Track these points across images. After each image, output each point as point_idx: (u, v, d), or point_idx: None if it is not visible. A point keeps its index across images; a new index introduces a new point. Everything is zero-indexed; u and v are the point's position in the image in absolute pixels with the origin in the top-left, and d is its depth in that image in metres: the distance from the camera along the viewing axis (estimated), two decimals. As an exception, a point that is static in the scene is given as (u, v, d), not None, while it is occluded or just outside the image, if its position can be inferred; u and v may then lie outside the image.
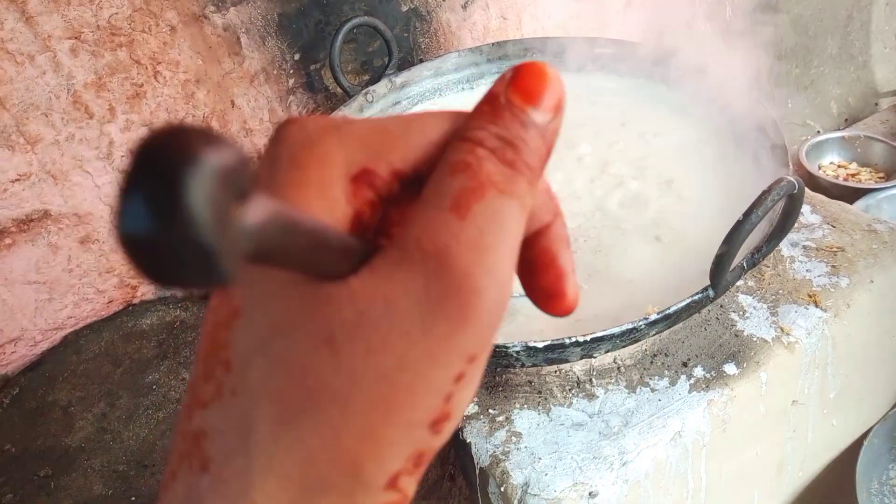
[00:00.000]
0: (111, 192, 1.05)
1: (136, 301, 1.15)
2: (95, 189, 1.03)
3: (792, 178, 0.56)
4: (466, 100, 1.10)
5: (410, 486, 0.20)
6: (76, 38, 0.93)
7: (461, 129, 0.22)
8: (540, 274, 0.25)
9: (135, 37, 0.98)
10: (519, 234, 0.21)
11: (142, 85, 1.01)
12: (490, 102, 0.22)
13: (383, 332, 0.18)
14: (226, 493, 0.18)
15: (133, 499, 0.88)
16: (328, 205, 0.20)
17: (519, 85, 0.22)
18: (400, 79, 1.08)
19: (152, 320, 1.12)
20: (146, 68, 1.00)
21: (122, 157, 1.04)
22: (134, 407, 0.99)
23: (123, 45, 0.97)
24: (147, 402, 1.00)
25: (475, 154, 0.21)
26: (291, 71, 1.14)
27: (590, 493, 0.68)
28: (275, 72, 1.12)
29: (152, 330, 1.11)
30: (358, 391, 0.18)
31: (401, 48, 1.15)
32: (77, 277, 1.07)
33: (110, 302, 1.13)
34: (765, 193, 0.55)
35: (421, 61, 1.12)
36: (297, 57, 1.13)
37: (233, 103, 1.10)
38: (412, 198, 0.21)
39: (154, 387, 1.02)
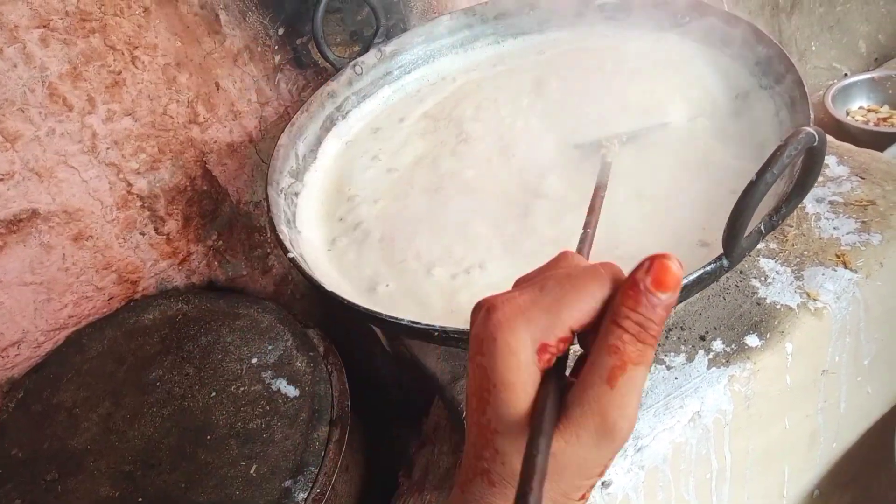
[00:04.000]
0: (100, 186, 1.01)
1: (137, 296, 1.13)
2: (83, 184, 1.00)
3: (811, 129, 0.49)
4: (460, 63, 1.04)
5: (589, 495, 0.41)
6: (45, 26, 0.89)
7: (614, 313, 0.36)
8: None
9: (107, 21, 0.93)
10: (643, 385, 0.37)
11: (120, 72, 0.97)
12: (633, 287, 0.36)
13: (576, 449, 0.37)
14: (506, 499, 0.38)
15: (140, 500, 0.86)
16: (529, 377, 0.37)
17: (654, 277, 0.35)
18: (390, 47, 1.02)
19: (154, 315, 1.09)
20: (122, 54, 0.96)
21: (108, 149, 1.00)
22: (139, 405, 0.97)
23: (96, 30, 0.93)
24: (152, 400, 0.97)
25: (622, 339, 0.36)
26: (277, 47, 1.08)
27: (602, 483, 0.64)
28: (259, 49, 1.07)
29: (154, 325, 1.08)
30: (567, 471, 0.38)
31: (390, 15, 1.09)
32: (74, 276, 1.05)
33: (111, 299, 1.10)
34: (780, 149, 0.49)
35: (412, 27, 1.06)
36: (281, 31, 1.07)
37: (217, 85, 1.05)
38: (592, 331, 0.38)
39: (158, 383, 1.00)
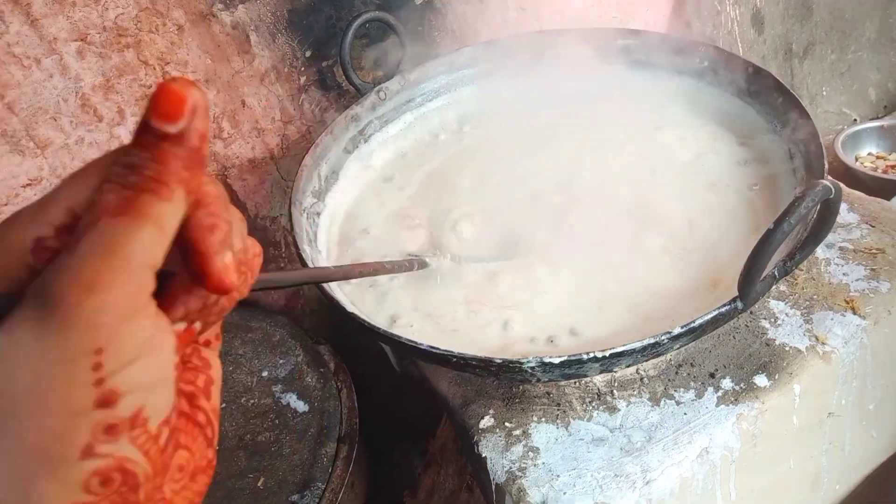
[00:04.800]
0: (122, 195, 1.03)
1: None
2: (106, 193, 1.02)
3: (828, 183, 0.52)
4: (480, 93, 1.06)
5: (114, 448, 0.24)
6: (82, 39, 0.92)
7: (99, 160, 0.26)
8: (189, 260, 0.28)
9: (142, 37, 0.96)
10: (138, 241, 0.24)
11: (150, 86, 0.99)
12: (135, 133, 0.26)
13: (11, 361, 0.23)
14: None
15: None
16: (11, 278, 0.26)
17: (155, 108, 0.26)
18: (413, 75, 1.05)
19: (167, 324, 1.11)
20: (154, 69, 0.98)
21: (133, 159, 1.02)
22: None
23: (130, 45, 0.95)
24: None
25: (101, 189, 0.25)
26: (303, 68, 1.11)
27: (611, 514, 0.65)
28: (286, 70, 1.09)
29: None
30: (18, 406, 0.23)
31: (414, 43, 1.12)
32: (91, 282, 1.06)
33: (125, 306, 1.12)
34: (798, 200, 0.51)
35: (436, 56, 1.08)
36: (308, 54, 1.10)
37: (243, 103, 1.08)
38: None
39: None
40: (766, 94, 0.84)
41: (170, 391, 0.27)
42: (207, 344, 0.34)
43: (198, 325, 0.31)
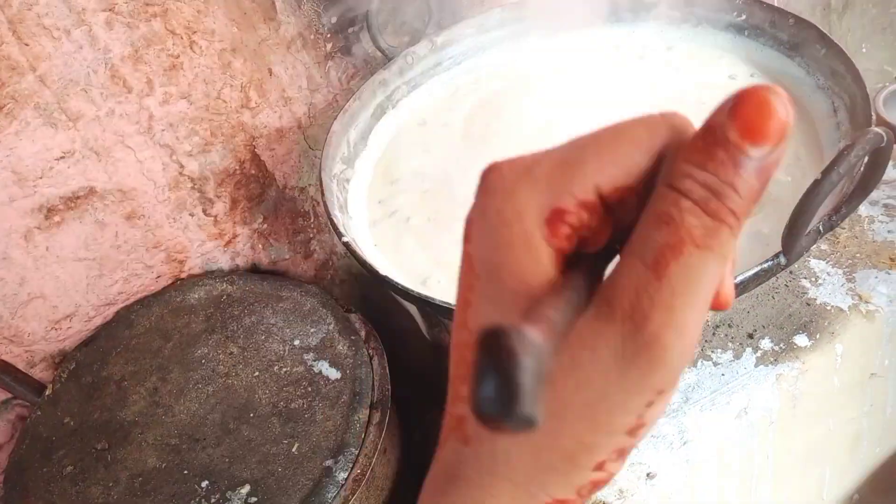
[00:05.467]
0: (153, 167, 1.04)
1: (183, 275, 1.16)
2: (138, 164, 1.03)
3: (879, 130, 0.50)
4: (512, 57, 1.04)
5: (615, 467, 0.26)
6: (110, 10, 0.92)
7: (668, 174, 0.23)
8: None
9: (169, 6, 0.95)
10: (713, 286, 0.23)
11: (178, 56, 0.99)
12: (705, 138, 0.22)
13: (588, 374, 0.23)
14: (480, 462, 0.26)
15: (185, 472, 0.89)
16: (534, 256, 0.24)
17: (739, 119, 0.21)
18: (441, 38, 1.03)
19: (200, 294, 1.12)
20: (181, 38, 0.98)
21: (163, 130, 1.03)
22: (184, 381, 1.00)
23: (158, 15, 0.95)
24: (197, 377, 1.00)
25: (678, 206, 0.22)
26: (328, 35, 1.10)
27: (647, 475, 0.64)
28: (311, 36, 1.08)
29: (200, 304, 1.11)
30: (569, 412, 0.24)
31: (442, 6, 1.10)
32: (125, 253, 1.08)
33: (159, 277, 1.13)
34: (848, 148, 0.49)
35: (463, 18, 1.06)
36: (333, 20, 1.09)
37: (270, 71, 1.07)
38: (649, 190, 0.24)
39: (203, 361, 1.02)
40: (808, 46, 0.81)
41: None
42: None
43: None
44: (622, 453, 0.25)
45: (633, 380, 0.23)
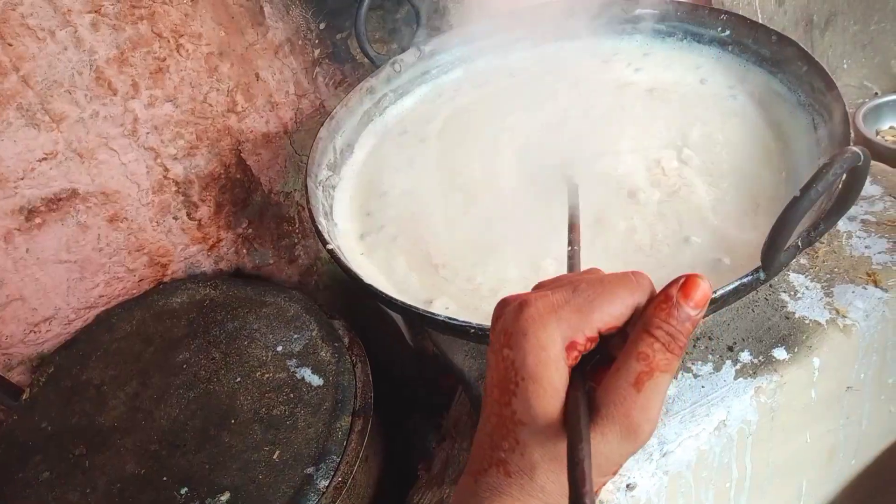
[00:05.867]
0: (137, 169, 1.03)
1: (166, 279, 1.15)
2: (121, 167, 1.02)
3: (856, 149, 0.50)
4: (498, 65, 1.05)
5: (601, 489, 0.46)
6: (96, 11, 0.91)
7: (646, 322, 0.39)
8: None
9: (156, 9, 0.95)
10: (666, 391, 0.39)
11: (164, 59, 0.98)
12: (667, 301, 0.39)
13: (601, 448, 0.38)
14: (522, 488, 0.39)
15: (165, 478, 0.88)
16: (559, 370, 0.38)
17: (686, 292, 0.39)
18: (429, 47, 1.03)
19: (182, 299, 1.11)
20: (168, 41, 0.98)
21: (148, 133, 1.02)
22: (165, 386, 0.99)
23: (144, 17, 0.95)
24: (178, 382, 0.99)
25: (652, 348, 0.38)
26: (317, 41, 1.10)
27: (627, 486, 0.65)
28: (300, 42, 1.08)
29: (182, 308, 1.10)
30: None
31: (430, 15, 1.10)
32: (107, 256, 1.07)
33: (141, 280, 1.12)
34: (825, 167, 0.50)
35: (451, 28, 1.07)
36: (322, 26, 1.09)
37: (257, 76, 1.07)
38: (618, 339, 0.41)
39: (184, 366, 1.01)
40: (790, 63, 0.82)
41: None
42: None
43: None
44: (601, 487, 0.42)
45: (624, 449, 0.38)
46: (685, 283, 0.39)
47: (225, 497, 0.86)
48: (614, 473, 0.41)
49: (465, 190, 0.86)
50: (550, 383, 0.38)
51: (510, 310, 0.40)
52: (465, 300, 0.73)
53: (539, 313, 0.39)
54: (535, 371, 0.38)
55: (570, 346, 0.39)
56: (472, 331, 0.61)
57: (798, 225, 0.55)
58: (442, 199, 0.86)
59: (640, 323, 0.39)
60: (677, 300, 0.38)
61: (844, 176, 0.56)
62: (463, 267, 0.76)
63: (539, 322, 0.39)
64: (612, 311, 0.39)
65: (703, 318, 0.55)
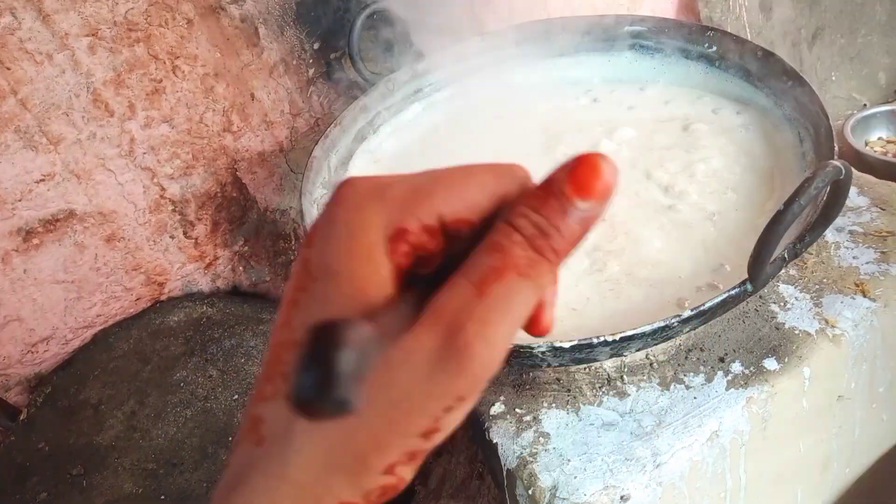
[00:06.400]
0: (134, 190, 1.04)
1: (163, 298, 1.16)
2: (118, 187, 1.03)
3: (838, 163, 0.52)
4: (491, 83, 1.06)
5: (405, 472, 0.27)
6: (93, 35, 0.93)
7: (509, 212, 0.26)
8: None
9: (152, 31, 0.96)
10: (526, 310, 0.26)
11: (160, 80, 1.00)
12: (544, 188, 0.26)
13: (398, 374, 0.25)
14: (270, 463, 0.26)
15: (163, 497, 0.89)
16: (374, 267, 0.26)
17: (573, 177, 0.25)
18: (422, 65, 1.05)
19: (179, 317, 1.12)
20: (164, 63, 0.99)
21: (144, 153, 1.03)
22: (162, 405, 0.99)
23: (141, 40, 0.96)
24: (175, 400, 1.00)
25: (510, 238, 0.26)
26: (311, 61, 1.11)
27: (621, 497, 0.65)
28: (294, 62, 1.10)
29: (179, 327, 1.11)
30: (371, 410, 0.25)
31: (423, 33, 1.12)
32: (104, 276, 1.08)
33: (138, 299, 1.13)
34: (808, 181, 0.51)
35: (443, 47, 1.08)
36: (316, 46, 1.10)
37: (252, 96, 1.09)
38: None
39: (182, 384, 1.02)
40: (775, 77, 0.84)
41: None
42: None
43: None
44: (413, 457, 0.26)
45: (438, 383, 0.25)
46: (577, 166, 0.25)
47: (223, 515, 0.86)
48: (426, 437, 0.26)
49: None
50: (351, 282, 0.25)
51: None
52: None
53: (356, 193, 0.27)
54: (333, 266, 0.26)
55: (397, 236, 0.26)
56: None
57: (783, 237, 0.56)
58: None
59: (502, 214, 0.27)
60: (560, 188, 0.26)
61: (828, 189, 0.57)
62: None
63: (353, 205, 0.26)
64: (465, 196, 0.27)
65: (692, 329, 0.56)
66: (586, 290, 0.74)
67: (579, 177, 0.25)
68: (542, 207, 0.26)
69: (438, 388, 0.25)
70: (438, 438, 0.26)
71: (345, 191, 0.27)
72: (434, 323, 0.25)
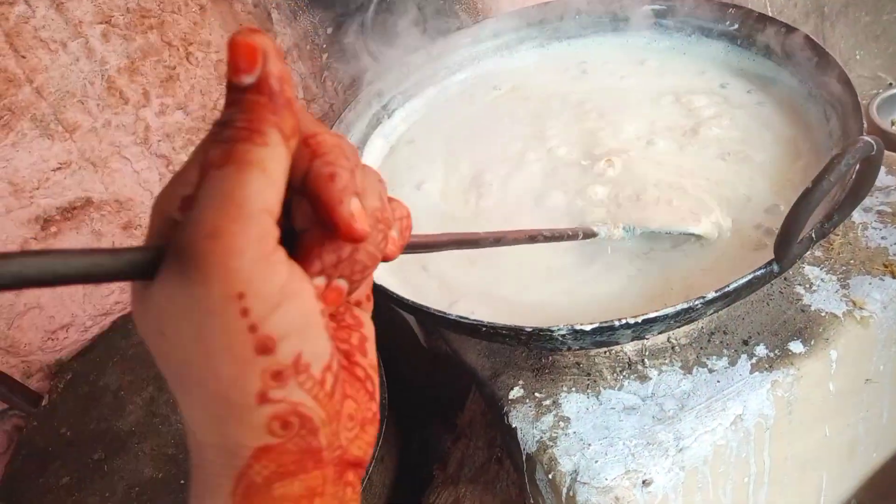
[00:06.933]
0: (150, 177, 1.04)
1: (180, 285, 1.16)
2: (134, 175, 1.03)
3: (869, 139, 0.50)
4: (505, 65, 1.05)
5: (286, 393, 0.26)
6: (107, 22, 0.92)
7: None
8: (316, 210, 0.28)
9: (165, 18, 0.96)
10: (247, 186, 0.25)
11: (174, 67, 0.99)
12: (225, 97, 0.27)
13: (173, 312, 0.25)
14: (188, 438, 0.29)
15: (182, 482, 0.89)
16: (168, 236, 0.27)
17: (230, 64, 0.26)
18: (436, 48, 1.03)
19: (197, 304, 1.12)
20: (178, 50, 0.99)
21: (159, 141, 1.03)
22: (181, 391, 1.00)
23: (154, 27, 0.96)
24: (194, 386, 1.00)
25: (204, 149, 0.26)
26: (325, 46, 1.10)
27: (643, 482, 0.64)
28: (308, 47, 1.09)
29: (197, 313, 1.11)
30: (192, 356, 0.25)
31: (437, 16, 1.10)
32: (122, 263, 1.08)
33: (156, 286, 1.13)
34: (838, 157, 0.49)
35: (458, 29, 1.07)
36: (329, 31, 1.09)
37: (266, 82, 1.08)
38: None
39: (200, 370, 1.02)
40: (800, 55, 0.82)
41: (323, 337, 0.28)
42: (358, 304, 0.34)
43: (343, 284, 0.30)
44: (279, 377, 0.26)
45: (203, 297, 0.24)
46: (228, 58, 0.26)
47: (242, 500, 0.86)
48: (264, 349, 0.26)
49: (477, 192, 0.86)
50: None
51: None
52: (485, 302, 0.73)
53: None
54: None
55: (185, 205, 0.27)
56: (484, 329, 0.62)
57: (811, 216, 0.54)
58: (453, 202, 0.86)
59: None
60: (228, 82, 0.27)
61: (857, 166, 0.55)
62: (478, 271, 0.76)
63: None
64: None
65: (715, 312, 0.55)
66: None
67: (233, 63, 0.26)
68: (225, 108, 0.27)
69: (206, 302, 0.24)
70: (288, 346, 0.26)
71: None
72: (169, 251, 0.25)
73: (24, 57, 0.89)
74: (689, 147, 0.82)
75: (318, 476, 0.28)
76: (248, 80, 0.26)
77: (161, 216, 0.27)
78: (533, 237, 0.55)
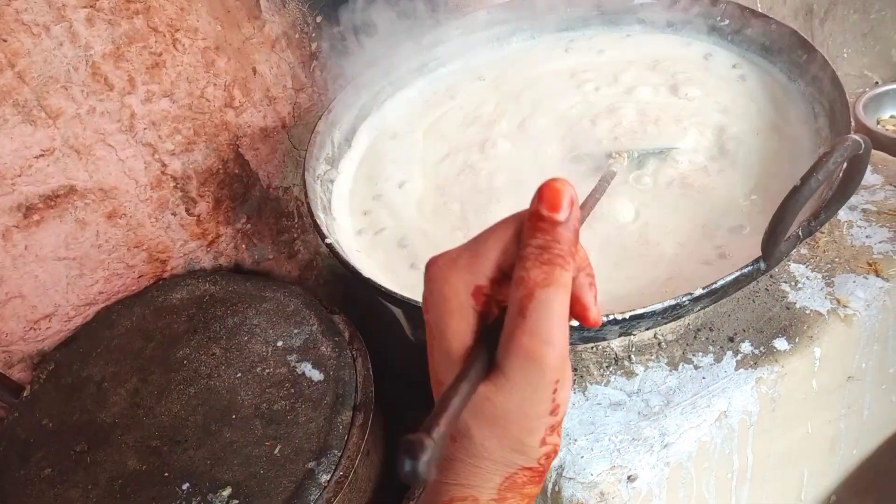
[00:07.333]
0: (135, 166, 1.03)
1: (166, 275, 1.15)
2: (119, 163, 1.02)
3: (857, 137, 0.50)
4: (496, 56, 1.04)
5: (555, 439, 0.39)
6: (91, 6, 0.90)
7: (519, 248, 0.37)
8: (573, 308, 0.39)
9: (151, 3, 0.94)
10: (563, 304, 0.36)
11: (160, 54, 0.98)
12: (531, 218, 0.37)
13: (510, 392, 0.36)
14: (467, 450, 0.38)
15: (166, 474, 0.88)
16: (465, 321, 0.37)
17: (543, 201, 0.36)
18: (427, 39, 1.03)
19: (182, 294, 1.11)
20: (164, 36, 0.97)
21: (145, 129, 1.02)
22: (166, 382, 0.99)
23: (140, 12, 0.94)
24: (178, 378, 0.99)
25: (525, 267, 0.36)
26: (314, 34, 1.09)
27: (628, 477, 0.65)
28: (297, 36, 1.08)
29: (182, 304, 1.10)
30: (509, 415, 0.37)
31: (428, 7, 1.09)
32: (106, 252, 1.07)
33: (140, 276, 1.12)
34: (826, 155, 0.50)
35: (449, 20, 1.06)
36: (318, 19, 1.08)
37: (254, 70, 1.07)
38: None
39: (185, 362, 1.01)
40: (789, 51, 0.82)
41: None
42: None
43: None
44: (554, 429, 0.38)
45: (537, 386, 0.36)
46: (542, 193, 0.36)
47: (227, 492, 0.86)
48: (553, 414, 0.37)
49: (463, 183, 0.85)
50: (455, 333, 0.37)
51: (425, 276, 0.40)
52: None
53: (440, 269, 0.38)
54: (440, 324, 0.37)
55: (477, 292, 0.38)
56: (472, 324, 0.61)
57: (798, 214, 0.55)
58: (441, 193, 0.85)
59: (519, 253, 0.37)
60: (537, 211, 0.36)
61: (845, 165, 0.55)
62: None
63: (441, 277, 0.38)
64: (498, 245, 0.38)
65: (702, 308, 0.55)
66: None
67: (547, 198, 0.36)
68: (537, 232, 0.36)
69: (539, 393, 0.36)
70: (563, 410, 0.38)
71: (432, 269, 0.39)
72: (510, 352, 0.35)
73: (5, 41, 0.87)
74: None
75: (539, 486, 0.41)
76: (559, 217, 0.36)
77: (458, 293, 0.38)
78: (597, 199, 0.58)
